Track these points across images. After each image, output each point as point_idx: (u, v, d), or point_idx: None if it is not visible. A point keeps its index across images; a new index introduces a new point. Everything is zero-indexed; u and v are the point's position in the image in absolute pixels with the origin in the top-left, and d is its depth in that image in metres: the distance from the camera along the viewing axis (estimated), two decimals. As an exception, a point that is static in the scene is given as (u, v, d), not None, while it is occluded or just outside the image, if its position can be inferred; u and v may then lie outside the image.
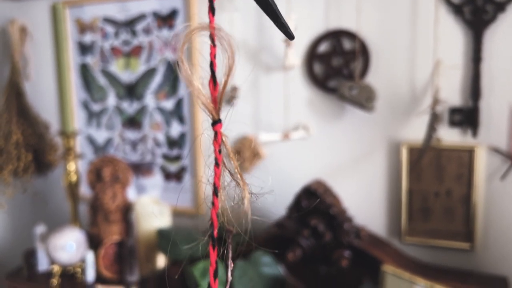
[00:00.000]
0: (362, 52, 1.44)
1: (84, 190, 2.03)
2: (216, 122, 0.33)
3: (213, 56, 0.33)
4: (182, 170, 1.83)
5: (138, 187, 1.94)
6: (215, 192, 0.34)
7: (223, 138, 0.34)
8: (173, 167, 1.85)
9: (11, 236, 2.40)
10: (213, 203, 0.34)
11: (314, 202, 1.37)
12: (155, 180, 1.90)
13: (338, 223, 1.36)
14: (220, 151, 0.34)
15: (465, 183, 1.38)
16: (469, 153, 1.36)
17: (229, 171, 0.35)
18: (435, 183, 1.40)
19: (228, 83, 0.35)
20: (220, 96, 0.33)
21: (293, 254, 1.39)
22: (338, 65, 1.49)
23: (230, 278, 0.35)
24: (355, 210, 1.47)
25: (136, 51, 1.86)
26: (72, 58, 1.99)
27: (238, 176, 0.35)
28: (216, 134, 0.34)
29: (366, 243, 1.37)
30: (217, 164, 0.34)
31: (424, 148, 1.33)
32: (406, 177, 1.43)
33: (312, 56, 1.52)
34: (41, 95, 2.12)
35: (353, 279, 1.40)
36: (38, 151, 2.04)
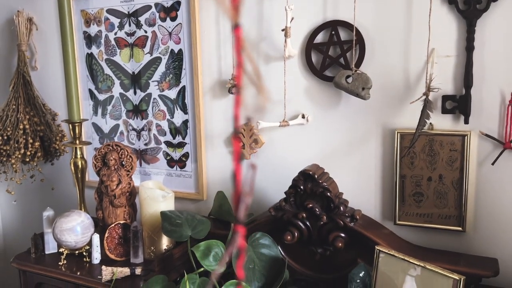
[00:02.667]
0: (358, 41, 1.49)
1: (91, 176, 2.10)
2: (236, 26, 0.37)
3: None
4: (184, 157, 1.89)
5: (143, 173, 2.00)
6: (238, 91, 0.38)
7: (243, 42, 0.37)
8: (176, 154, 1.91)
9: (19, 221, 2.47)
10: (237, 101, 0.38)
11: (311, 186, 1.43)
12: (159, 166, 1.96)
13: (334, 206, 1.42)
14: (241, 52, 0.37)
15: (457, 168, 1.42)
16: (462, 139, 1.41)
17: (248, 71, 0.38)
18: (428, 168, 1.45)
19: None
20: (239, 4, 0.37)
21: (291, 236, 1.45)
22: (334, 55, 1.54)
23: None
24: (350, 194, 1.52)
25: (140, 42, 1.91)
26: (78, 49, 2.05)
27: (256, 76, 0.39)
28: (237, 37, 0.38)
29: (361, 226, 1.43)
30: (239, 65, 0.37)
31: (418, 134, 1.38)
32: (399, 162, 1.48)
33: (310, 46, 1.57)
34: (48, 84, 2.18)
35: (348, 260, 1.45)
36: (45, 139, 2.10)
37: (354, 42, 1.47)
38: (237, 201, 0.38)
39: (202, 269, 1.43)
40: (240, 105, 0.37)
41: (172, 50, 1.84)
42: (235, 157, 0.38)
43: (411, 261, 1.26)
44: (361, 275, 1.34)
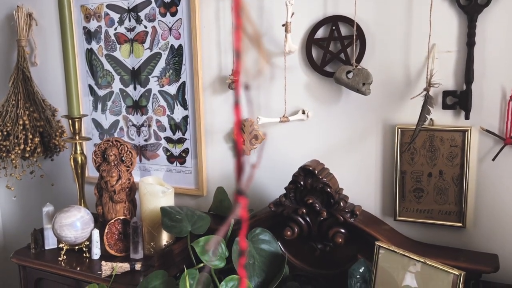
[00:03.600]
0: (359, 37, 1.48)
1: (90, 171, 2.09)
2: None
3: None
4: (184, 153, 1.89)
5: (143, 169, 2.00)
6: (238, 55, 0.36)
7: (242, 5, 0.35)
8: (176, 150, 1.90)
9: (19, 217, 2.47)
10: (237, 66, 0.36)
11: (311, 181, 1.42)
12: (159, 162, 1.96)
13: (334, 201, 1.41)
14: (239, 16, 0.35)
15: (458, 164, 1.42)
16: (462, 134, 1.40)
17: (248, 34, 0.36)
18: (428, 164, 1.45)
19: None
20: None
21: (291, 232, 1.44)
22: (335, 50, 1.54)
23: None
24: (350, 190, 1.52)
25: (140, 37, 1.90)
26: (77, 44, 2.04)
27: (256, 39, 0.37)
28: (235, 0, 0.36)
29: (361, 221, 1.42)
30: (237, 28, 0.35)
31: (418, 130, 1.38)
32: (400, 158, 1.48)
33: (310, 41, 1.57)
34: (47, 80, 2.18)
35: (348, 256, 1.45)
36: (45, 134, 2.10)
37: (354, 37, 1.47)
38: (239, 169, 0.36)
39: (202, 264, 1.43)
40: (241, 70, 0.35)
41: (172, 45, 1.83)
42: (236, 126, 0.37)
43: (411, 256, 1.26)
44: (361, 270, 1.34)
